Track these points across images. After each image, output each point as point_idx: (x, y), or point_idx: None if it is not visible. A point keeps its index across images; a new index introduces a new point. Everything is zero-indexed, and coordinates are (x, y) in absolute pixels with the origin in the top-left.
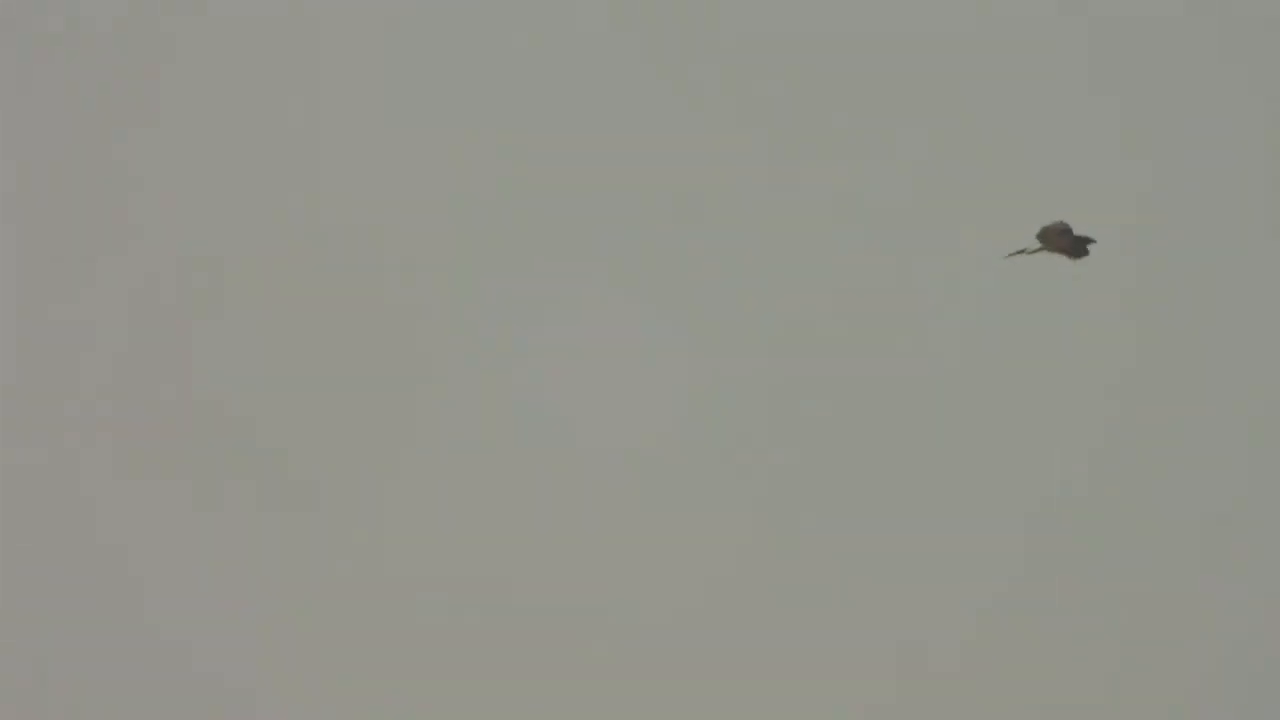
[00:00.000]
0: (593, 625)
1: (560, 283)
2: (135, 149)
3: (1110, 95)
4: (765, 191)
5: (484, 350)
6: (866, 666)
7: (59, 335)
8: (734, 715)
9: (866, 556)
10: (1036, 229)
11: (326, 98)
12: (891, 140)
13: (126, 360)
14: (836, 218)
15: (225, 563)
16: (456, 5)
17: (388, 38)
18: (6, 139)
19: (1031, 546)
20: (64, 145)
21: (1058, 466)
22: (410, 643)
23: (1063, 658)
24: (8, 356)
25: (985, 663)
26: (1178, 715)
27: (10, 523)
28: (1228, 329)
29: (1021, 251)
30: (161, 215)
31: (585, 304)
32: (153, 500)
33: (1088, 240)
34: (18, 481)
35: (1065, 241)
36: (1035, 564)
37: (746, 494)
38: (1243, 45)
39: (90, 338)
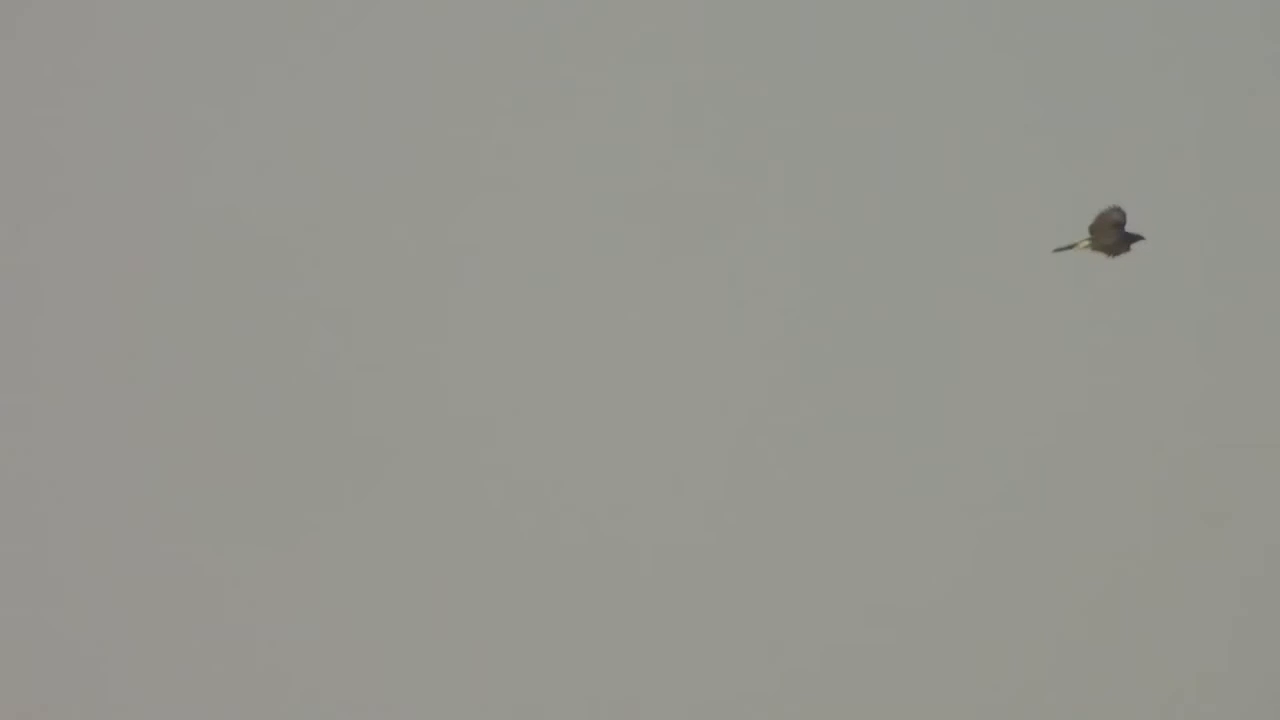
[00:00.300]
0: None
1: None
2: (137, 153)
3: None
4: (775, 188)
5: (491, 352)
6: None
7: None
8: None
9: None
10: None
11: (330, 109)
12: (909, 144)
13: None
14: (848, 219)
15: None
16: (449, 10)
17: (395, 43)
18: None
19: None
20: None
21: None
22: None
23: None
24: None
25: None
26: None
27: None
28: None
29: (1070, 247)
30: (167, 219)
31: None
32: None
33: (1135, 238)
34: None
35: (1111, 238)
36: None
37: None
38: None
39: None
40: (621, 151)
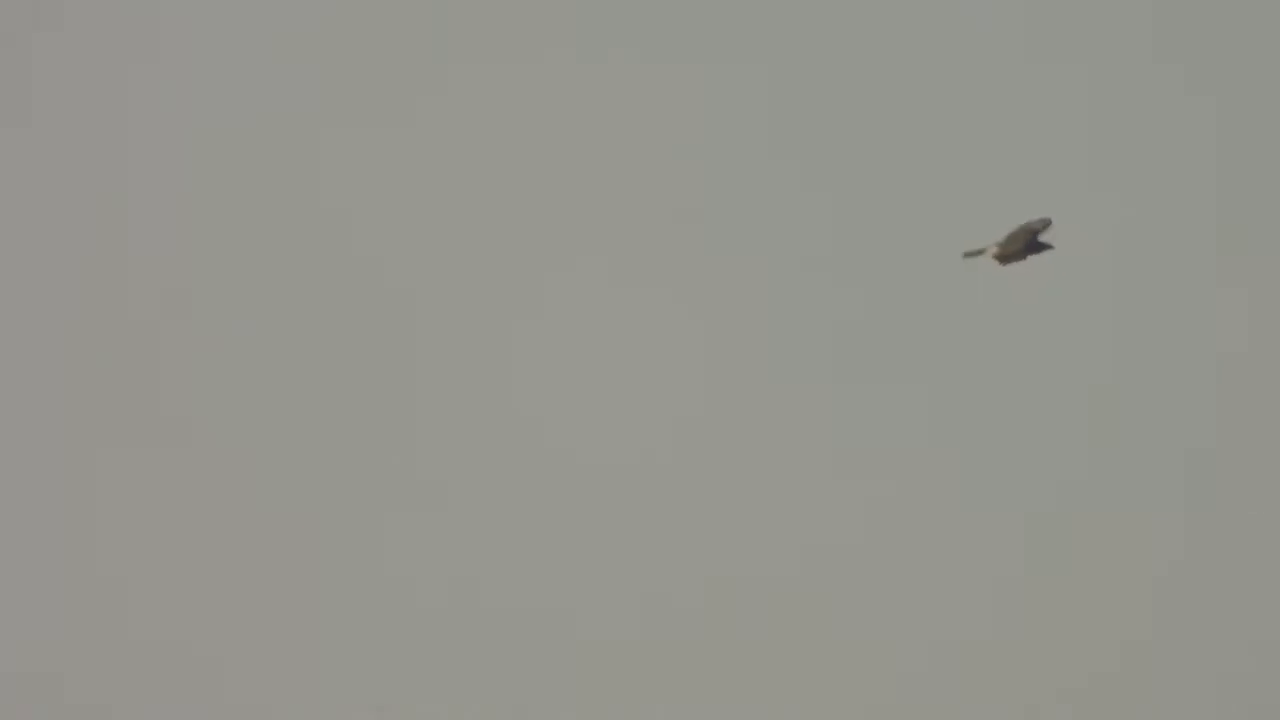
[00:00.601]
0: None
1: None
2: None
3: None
4: (761, 194)
5: (486, 345)
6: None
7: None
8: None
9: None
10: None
11: (328, 103)
12: (888, 151)
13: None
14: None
15: (232, 562)
16: (453, 10)
17: (390, 37)
18: None
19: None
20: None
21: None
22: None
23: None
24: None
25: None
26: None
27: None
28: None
29: (980, 252)
30: (165, 222)
31: (586, 300)
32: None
33: (1042, 248)
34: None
35: (1016, 245)
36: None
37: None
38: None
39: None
40: (623, 160)
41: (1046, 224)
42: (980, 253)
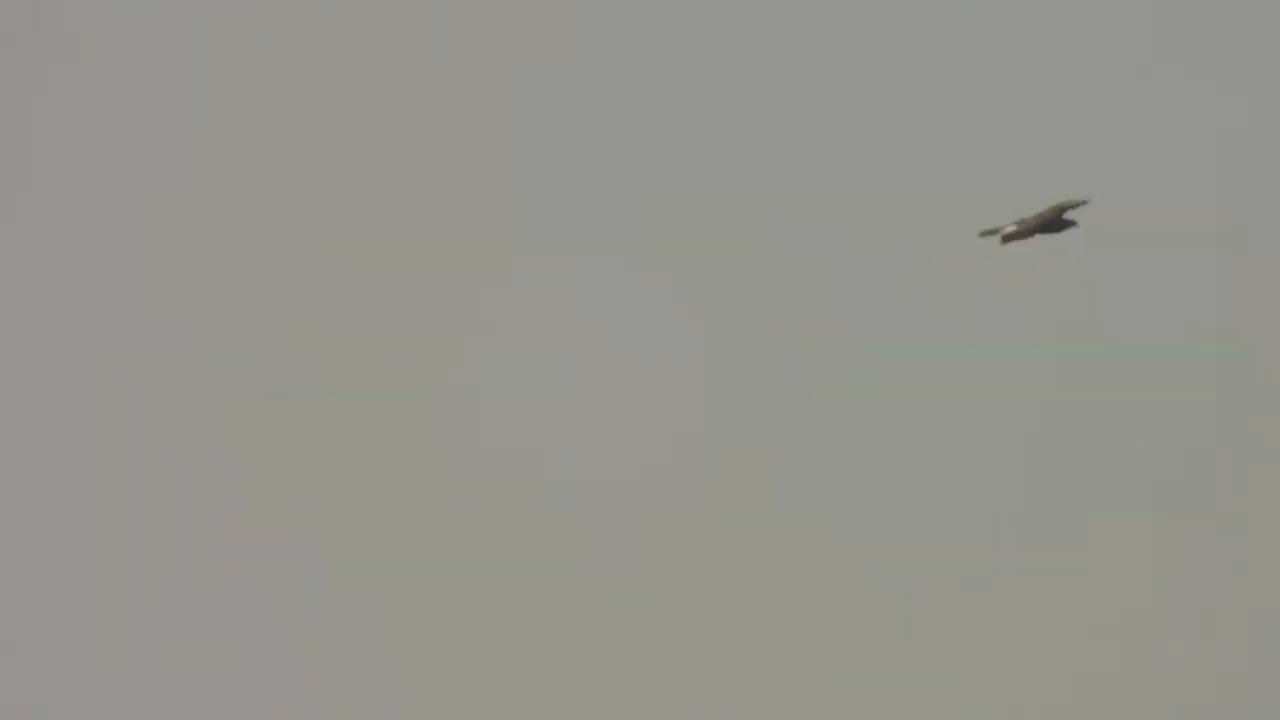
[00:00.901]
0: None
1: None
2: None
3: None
4: (767, 191)
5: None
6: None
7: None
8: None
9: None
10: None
11: (337, 99)
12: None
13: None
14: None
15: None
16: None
17: (394, 36)
18: None
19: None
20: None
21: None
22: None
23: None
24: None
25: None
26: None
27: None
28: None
29: (995, 231)
30: (178, 220)
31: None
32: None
33: (1060, 226)
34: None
35: (1032, 224)
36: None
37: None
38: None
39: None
40: (622, 149)
41: (1081, 203)
42: (997, 231)
